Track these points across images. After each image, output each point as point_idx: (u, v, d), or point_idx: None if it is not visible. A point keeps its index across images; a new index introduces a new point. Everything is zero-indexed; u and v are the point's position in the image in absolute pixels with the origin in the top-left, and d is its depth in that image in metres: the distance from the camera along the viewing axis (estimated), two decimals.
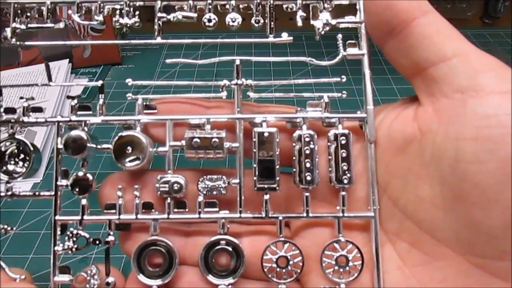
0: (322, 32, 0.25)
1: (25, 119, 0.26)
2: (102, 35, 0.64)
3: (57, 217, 0.25)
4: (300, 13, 0.25)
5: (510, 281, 0.21)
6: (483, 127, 0.21)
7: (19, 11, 0.27)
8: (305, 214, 0.25)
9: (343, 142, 0.25)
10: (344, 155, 0.25)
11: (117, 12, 0.26)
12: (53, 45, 0.26)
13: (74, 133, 0.25)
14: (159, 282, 0.25)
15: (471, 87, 0.22)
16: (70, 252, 0.25)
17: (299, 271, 0.25)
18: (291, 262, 0.25)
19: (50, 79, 0.26)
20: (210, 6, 0.26)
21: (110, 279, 0.25)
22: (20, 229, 0.42)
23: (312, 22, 0.25)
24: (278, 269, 0.25)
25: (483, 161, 0.21)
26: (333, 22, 0.25)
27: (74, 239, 0.25)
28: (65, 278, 0.25)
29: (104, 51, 0.65)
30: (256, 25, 0.26)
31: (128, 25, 0.26)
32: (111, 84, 0.61)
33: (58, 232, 0.25)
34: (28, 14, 0.27)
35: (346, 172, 0.25)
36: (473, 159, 0.21)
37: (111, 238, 0.25)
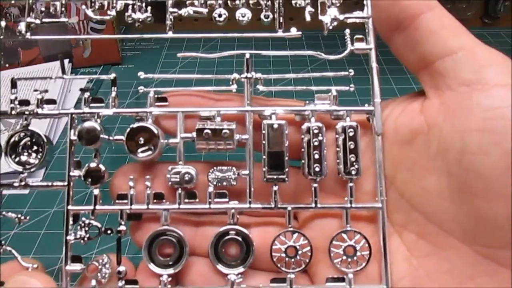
0: (331, 27, 0.26)
1: (39, 110, 0.26)
2: (102, 35, 0.64)
3: (70, 207, 0.26)
4: (309, 8, 0.26)
5: None
6: (488, 119, 0.21)
7: (33, 6, 0.27)
8: (313, 205, 0.25)
9: (351, 134, 0.25)
10: (352, 146, 0.25)
11: (129, 7, 0.27)
12: (67, 39, 0.27)
13: (88, 124, 0.25)
14: (169, 271, 0.25)
15: (476, 80, 0.22)
16: (82, 241, 0.25)
17: (307, 260, 0.25)
18: (299, 252, 0.25)
19: (64, 72, 0.27)
20: (220, 1, 0.26)
21: (122, 268, 0.25)
22: (20, 229, 0.42)
23: (320, 17, 0.26)
24: (287, 259, 0.25)
25: (488, 153, 0.21)
26: (341, 17, 0.26)
27: (86, 228, 0.25)
28: (76, 267, 0.25)
29: (104, 51, 0.65)
30: (266, 20, 0.26)
31: (140, 20, 0.27)
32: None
33: (71, 222, 0.26)
34: (42, 9, 0.27)
35: (354, 163, 0.25)
36: (479, 151, 0.21)
37: (122, 227, 0.25)
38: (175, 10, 0.27)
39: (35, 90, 0.27)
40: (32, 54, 0.63)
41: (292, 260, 0.25)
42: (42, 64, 0.63)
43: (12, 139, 0.26)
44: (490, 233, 0.22)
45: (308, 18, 0.26)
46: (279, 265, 0.25)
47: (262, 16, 0.26)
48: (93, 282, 0.25)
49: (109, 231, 0.25)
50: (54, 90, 0.56)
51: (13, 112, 0.27)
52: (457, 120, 0.22)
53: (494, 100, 0.22)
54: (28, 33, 0.27)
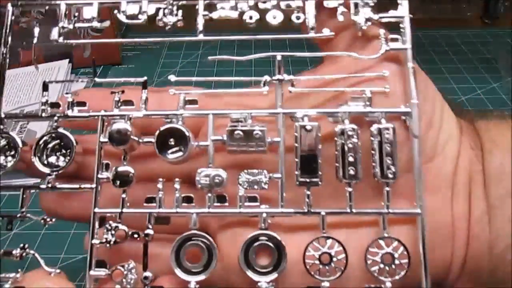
0: (364, 27, 0.25)
1: (69, 112, 0.26)
2: (102, 35, 0.65)
3: (96, 210, 0.25)
4: (342, 9, 0.25)
5: (412, 199, 0.24)
6: None
7: (66, 12, 0.28)
8: (348, 210, 0.24)
9: (387, 136, 0.24)
10: (388, 149, 0.24)
11: (160, 11, 0.27)
12: (101, 43, 0.27)
13: (119, 125, 0.25)
14: (199, 277, 0.24)
15: None
16: (107, 245, 0.25)
17: (342, 268, 0.24)
18: (334, 259, 0.24)
19: (95, 75, 0.27)
20: (251, 4, 0.26)
21: (148, 274, 0.24)
22: (20, 228, 0.40)
23: (353, 17, 0.25)
24: (321, 266, 0.24)
25: None
26: (375, 17, 0.25)
27: (113, 232, 0.25)
28: (101, 272, 0.24)
29: (104, 51, 0.64)
30: (297, 21, 0.26)
31: (171, 23, 0.27)
32: (111, 84, 0.60)
33: (97, 225, 0.25)
34: (76, 14, 0.28)
35: (391, 166, 0.24)
36: None
37: (150, 231, 0.25)
38: (206, 13, 0.27)
39: (67, 93, 0.27)
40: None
41: (327, 267, 0.24)
42: (42, 64, 0.63)
43: (42, 141, 0.26)
44: None
45: (341, 18, 0.25)
46: (312, 273, 0.24)
47: (293, 18, 0.26)
48: None
49: (135, 235, 0.25)
50: (55, 89, 0.54)
51: (44, 115, 0.27)
52: None
53: None
54: (61, 38, 0.27)
